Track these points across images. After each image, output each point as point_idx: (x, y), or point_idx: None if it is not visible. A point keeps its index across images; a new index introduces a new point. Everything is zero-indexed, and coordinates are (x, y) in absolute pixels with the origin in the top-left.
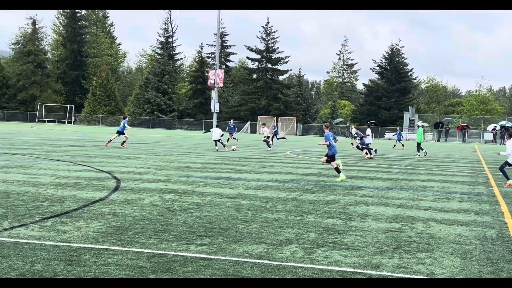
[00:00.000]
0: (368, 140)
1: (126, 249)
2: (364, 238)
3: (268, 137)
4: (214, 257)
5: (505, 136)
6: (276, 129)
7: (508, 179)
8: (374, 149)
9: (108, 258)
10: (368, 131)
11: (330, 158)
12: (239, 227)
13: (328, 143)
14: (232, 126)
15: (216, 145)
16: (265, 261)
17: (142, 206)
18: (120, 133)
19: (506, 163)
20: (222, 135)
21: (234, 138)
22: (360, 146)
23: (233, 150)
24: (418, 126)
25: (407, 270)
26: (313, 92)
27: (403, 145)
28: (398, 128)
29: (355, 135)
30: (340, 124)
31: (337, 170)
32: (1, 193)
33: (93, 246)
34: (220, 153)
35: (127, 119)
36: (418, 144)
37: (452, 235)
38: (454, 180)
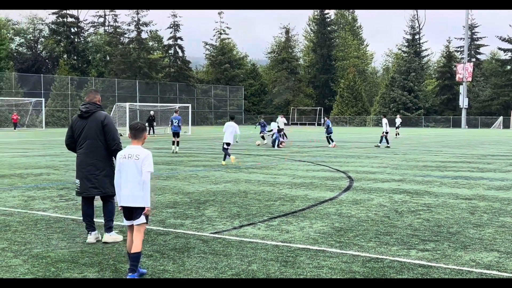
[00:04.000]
0: (385, 128)
1: (343, 251)
2: None
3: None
4: (435, 265)
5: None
6: (264, 125)
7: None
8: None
9: (323, 261)
10: (384, 120)
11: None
12: (469, 232)
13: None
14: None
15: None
16: (494, 272)
17: (369, 206)
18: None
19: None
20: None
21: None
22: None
23: (257, 145)
24: None
25: None
26: None
27: None
28: None
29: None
30: None
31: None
32: (240, 193)
33: (311, 247)
34: (461, 151)
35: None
36: None
37: None
38: None
